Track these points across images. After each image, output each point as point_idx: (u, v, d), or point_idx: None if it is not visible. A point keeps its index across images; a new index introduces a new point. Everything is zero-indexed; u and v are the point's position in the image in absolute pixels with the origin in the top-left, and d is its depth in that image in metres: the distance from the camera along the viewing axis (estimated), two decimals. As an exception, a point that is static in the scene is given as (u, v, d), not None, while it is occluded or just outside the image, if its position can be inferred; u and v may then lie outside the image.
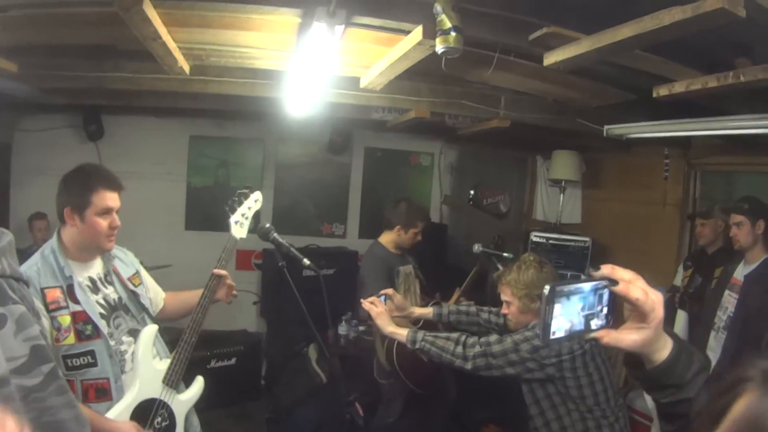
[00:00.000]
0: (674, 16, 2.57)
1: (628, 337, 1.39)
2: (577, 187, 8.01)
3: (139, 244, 5.61)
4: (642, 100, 4.38)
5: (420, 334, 3.50)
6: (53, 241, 2.98)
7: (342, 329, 6.69)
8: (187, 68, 4.34)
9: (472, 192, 8.57)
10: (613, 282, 1.35)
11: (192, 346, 3.10)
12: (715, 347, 4.57)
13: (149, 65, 4.39)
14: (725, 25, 2.50)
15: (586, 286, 1.32)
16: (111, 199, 2.99)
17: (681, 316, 5.50)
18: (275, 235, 3.38)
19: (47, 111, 7.12)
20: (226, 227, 7.14)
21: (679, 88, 3.69)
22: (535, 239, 7.17)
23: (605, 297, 1.36)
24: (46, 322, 2.72)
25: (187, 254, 7.48)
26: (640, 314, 1.38)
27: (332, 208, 8.60)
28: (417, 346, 3.48)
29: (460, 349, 3.34)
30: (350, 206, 8.65)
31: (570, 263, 6.93)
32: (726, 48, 3.36)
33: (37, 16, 3.35)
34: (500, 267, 4.87)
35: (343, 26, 3.18)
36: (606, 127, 5.19)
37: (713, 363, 4.25)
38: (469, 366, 3.30)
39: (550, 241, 7.11)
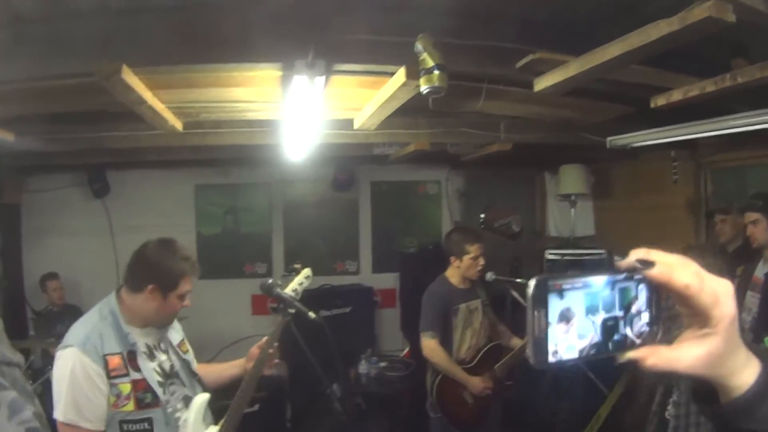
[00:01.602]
0: (661, 30, 2.50)
1: (686, 353, 0.87)
2: (588, 199, 7.92)
3: (153, 297, 5.57)
4: (641, 111, 4.29)
5: None
6: (113, 305, 2.94)
7: (363, 368, 6.62)
8: (179, 125, 4.35)
9: (482, 215, 8.44)
10: (647, 264, 0.88)
11: (240, 416, 3.07)
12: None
13: (144, 124, 4.35)
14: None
15: (598, 279, 0.87)
16: (190, 284, 3.01)
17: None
18: (279, 290, 3.32)
19: (52, 171, 7.18)
20: (239, 274, 7.11)
21: (676, 96, 3.61)
22: (550, 257, 7.07)
23: (642, 295, 0.90)
24: (104, 387, 2.72)
25: (202, 304, 7.42)
26: (697, 314, 0.87)
27: (343, 245, 8.57)
28: None
29: None
30: (361, 242, 8.61)
31: (589, 277, 6.81)
32: (721, 49, 3.30)
33: (25, 90, 3.35)
34: (515, 294, 4.77)
35: (324, 77, 3.12)
36: (609, 138, 5.11)
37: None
38: None
39: (566, 258, 7.00)
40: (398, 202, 8.69)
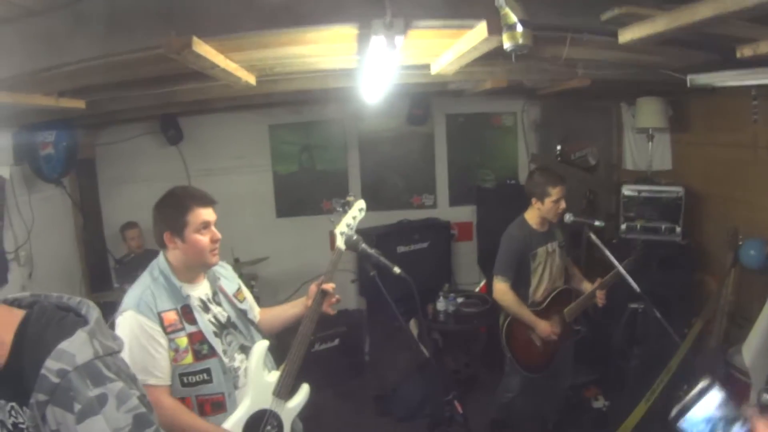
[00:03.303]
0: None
1: None
2: (665, 132, 7.67)
3: (234, 238, 5.69)
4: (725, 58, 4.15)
5: None
6: (161, 264, 3.07)
7: (440, 304, 6.67)
8: (252, 80, 4.35)
9: (559, 147, 8.32)
10: None
11: (301, 359, 3.21)
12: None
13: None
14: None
15: None
16: (205, 214, 3.05)
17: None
18: (364, 245, 3.36)
19: (124, 122, 7.29)
20: (317, 211, 7.17)
21: (764, 48, 3.48)
22: (627, 193, 6.97)
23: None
24: (164, 341, 2.88)
25: (282, 242, 7.68)
26: None
27: (420, 179, 8.60)
28: None
29: None
30: (437, 175, 8.61)
31: (664, 215, 6.76)
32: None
33: (94, 66, 3.36)
34: (592, 236, 4.75)
35: (403, 36, 3.07)
36: (689, 76, 4.95)
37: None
38: None
39: (642, 194, 6.90)
40: (474, 134, 8.63)
